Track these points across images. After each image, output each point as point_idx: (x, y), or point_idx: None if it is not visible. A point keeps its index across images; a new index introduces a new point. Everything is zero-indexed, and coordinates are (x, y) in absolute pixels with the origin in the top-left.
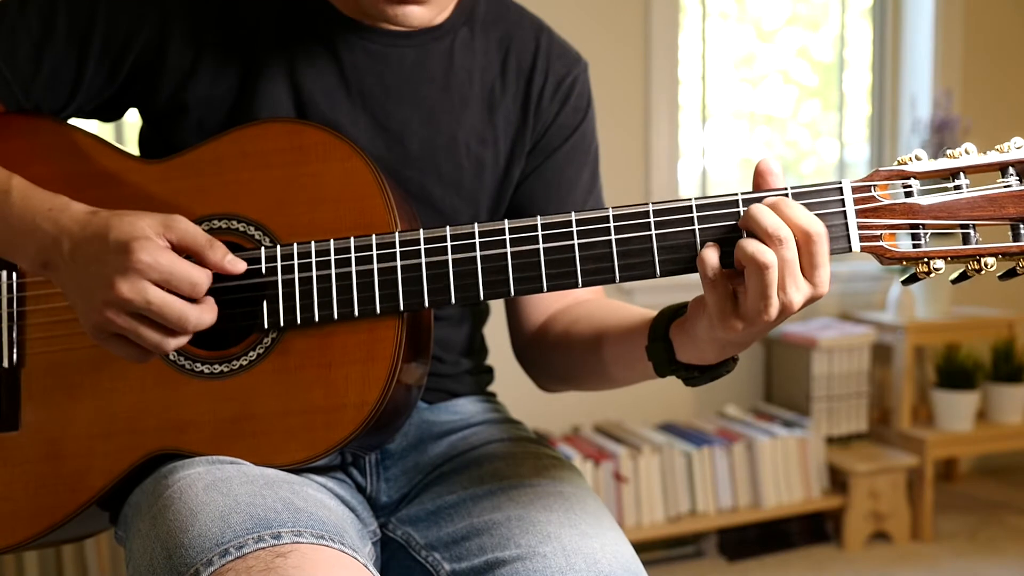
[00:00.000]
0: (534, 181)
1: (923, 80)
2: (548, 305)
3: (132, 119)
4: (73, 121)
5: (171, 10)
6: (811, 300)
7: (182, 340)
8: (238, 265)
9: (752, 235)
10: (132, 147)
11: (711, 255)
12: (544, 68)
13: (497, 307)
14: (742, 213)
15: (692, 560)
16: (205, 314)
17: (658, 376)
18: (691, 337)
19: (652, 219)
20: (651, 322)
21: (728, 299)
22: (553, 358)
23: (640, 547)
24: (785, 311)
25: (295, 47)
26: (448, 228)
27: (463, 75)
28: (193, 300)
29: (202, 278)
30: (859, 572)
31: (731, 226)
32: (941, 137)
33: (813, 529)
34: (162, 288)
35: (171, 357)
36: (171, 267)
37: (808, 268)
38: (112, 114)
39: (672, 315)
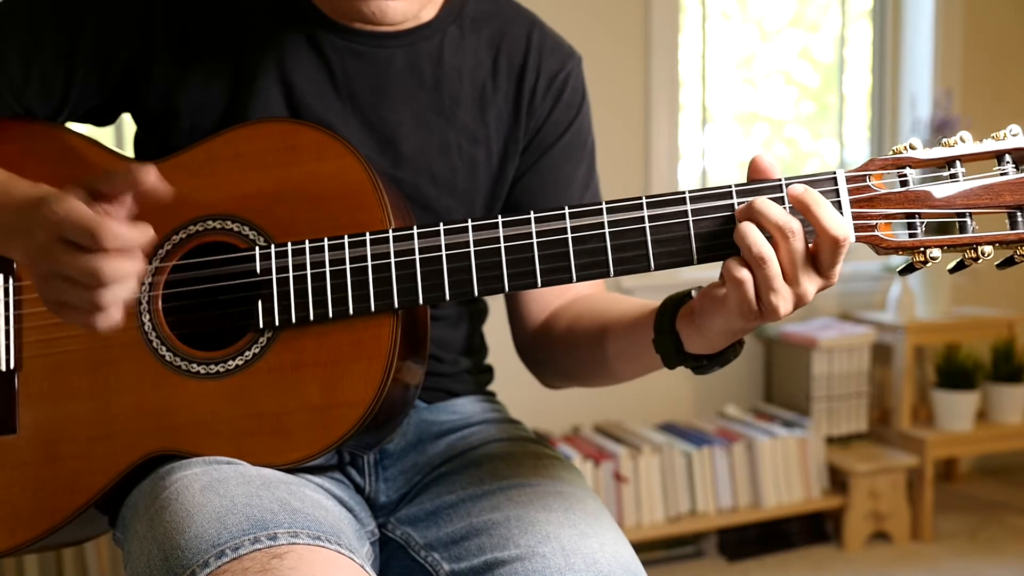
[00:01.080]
0: (530, 178)
1: (923, 80)
2: (549, 302)
3: (131, 120)
4: (67, 124)
5: (155, 17)
6: (824, 288)
7: (116, 294)
8: (145, 175)
9: (759, 228)
10: (130, 149)
11: (735, 262)
12: (536, 65)
13: (496, 306)
14: (736, 205)
15: (692, 560)
16: (131, 266)
17: (667, 368)
18: (700, 329)
19: (646, 211)
20: (655, 314)
21: (751, 299)
22: (557, 355)
23: (640, 547)
24: (800, 302)
25: (285, 49)
26: (442, 224)
27: (453, 75)
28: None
29: (95, 223)
30: (859, 572)
31: (727, 217)
32: (941, 137)
33: (813, 529)
34: (71, 244)
35: (167, 358)
36: (67, 214)
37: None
38: (105, 119)
39: (676, 305)
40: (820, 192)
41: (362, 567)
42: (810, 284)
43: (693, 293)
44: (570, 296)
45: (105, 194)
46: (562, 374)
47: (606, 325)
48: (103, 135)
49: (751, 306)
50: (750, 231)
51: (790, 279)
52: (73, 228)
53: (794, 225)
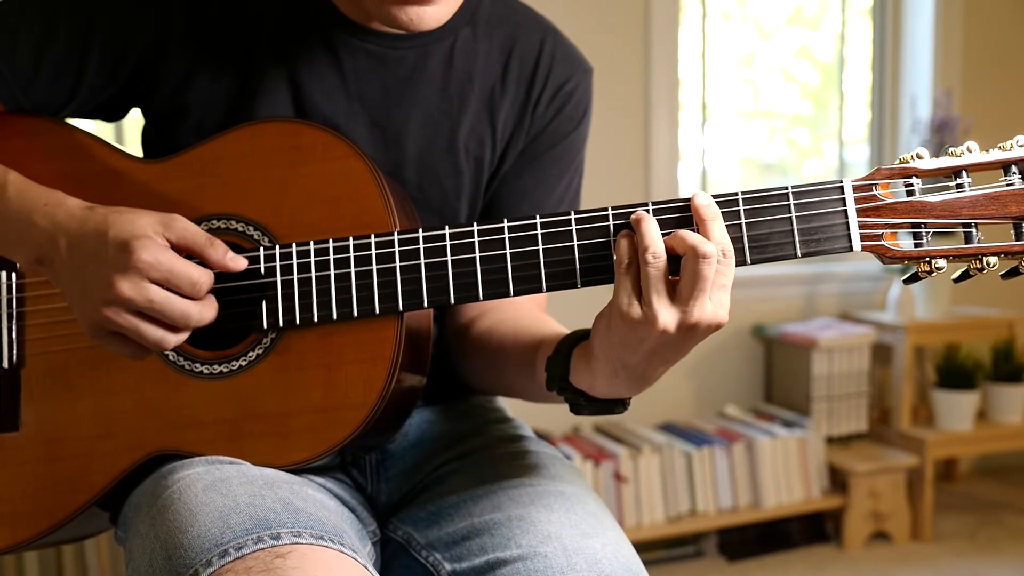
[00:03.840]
0: (513, 181)
1: (923, 80)
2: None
3: (133, 118)
4: (73, 121)
5: (171, 11)
6: (718, 325)
7: (183, 337)
8: (239, 262)
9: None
10: (133, 147)
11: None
12: (545, 72)
13: None
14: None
15: (692, 560)
16: (207, 311)
17: (547, 389)
18: (586, 357)
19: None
20: (561, 336)
21: (636, 289)
22: (470, 355)
23: (640, 547)
24: (684, 321)
25: (295, 48)
26: (447, 228)
27: (463, 77)
28: (192, 299)
29: (202, 277)
30: (859, 572)
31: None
32: (941, 137)
33: (813, 529)
34: (162, 287)
35: (170, 357)
36: (171, 266)
37: (719, 286)
38: (113, 114)
39: (582, 336)
40: (826, 200)
41: (365, 567)
42: (698, 308)
43: None
44: (504, 302)
45: (181, 247)
46: (472, 375)
47: (520, 336)
48: (103, 131)
49: (631, 300)
50: (651, 228)
51: (681, 296)
52: (179, 276)
53: (729, 250)
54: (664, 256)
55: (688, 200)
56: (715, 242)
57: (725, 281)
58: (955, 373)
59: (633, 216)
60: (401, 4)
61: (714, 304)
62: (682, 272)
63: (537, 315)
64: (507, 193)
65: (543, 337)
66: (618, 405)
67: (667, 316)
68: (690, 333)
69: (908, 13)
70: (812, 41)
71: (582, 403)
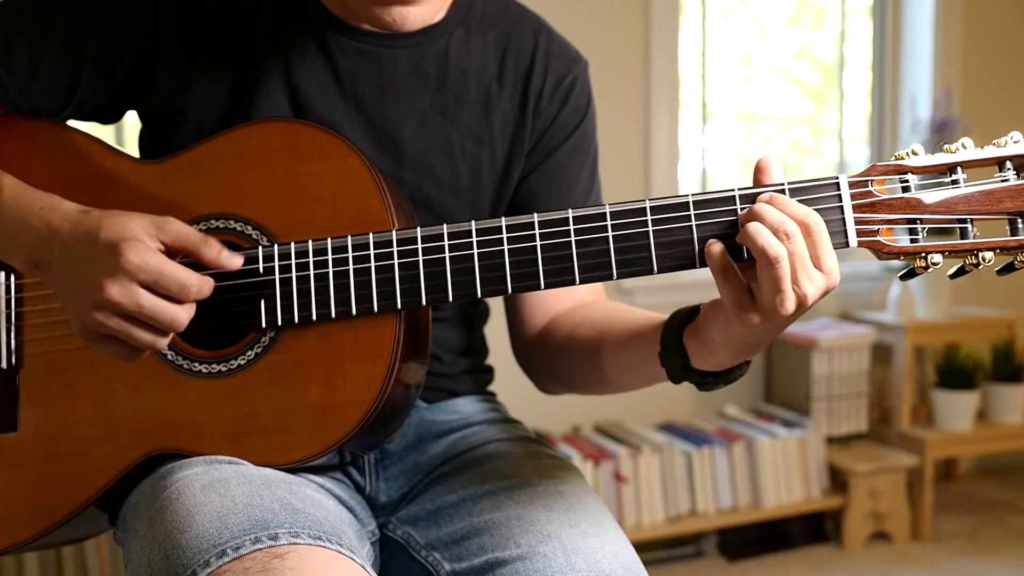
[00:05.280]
0: (534, 180)
1: (923, 80)
2: (550, 308)
3: (132, 121)
4: (72, 123)
5: (166, 14)
6: (827, 291)
7: (172, 339)
8: (234, 260)
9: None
10: (132, 148)
11: (716, 248)
12: (543, 68)
13: (497, 307)
14: (740, 209)
15: (692, 560)
16: (193, 311)
17: (672, 382)
18: (704, 343)
19: (649, 216)
20: (663, 328)
21: (744, 293)
22: (556, 362)
23: (640, 547)
24: (802, 304)
25: (290, 49)
26: (445, 226)
27: (458, 76)
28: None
29: (191, 279)
30: (859, 572)
31: (730, 221)
32: (941, 137)
33: (813, 529)
34: (151, 290)
35: (169, 357)
36: (160, 268)
37: (816, 258)
38: (111, 116)
39: (684, 320)
40: (822, 197)
41: (363, 567)
42: (811, 285)
43: (702, 308)
44: (571, 303)
45: (175, 249)
46: (559, 381)
47: (608, 335)
48: (103, 133)
49: (748, 304)
50: (760, 231)
51: (795, 279)
52: (168, 280)
53: (790, 227)
54: (799, 232)
55: (729, 191)
56: (791, 214)
57: (826, 247)
58: (955, 373)
59: (746, 211)
60: (384, 4)
61: (824, 272)
62: (808, 249)
63: (615, 306)
64: (533, 191)
65: (644, 330)
66: (743, 367)
67: (791, 305)
68: (809, 306)
69: (908, 13)
70: (812, 41)
71: (710, 380)
